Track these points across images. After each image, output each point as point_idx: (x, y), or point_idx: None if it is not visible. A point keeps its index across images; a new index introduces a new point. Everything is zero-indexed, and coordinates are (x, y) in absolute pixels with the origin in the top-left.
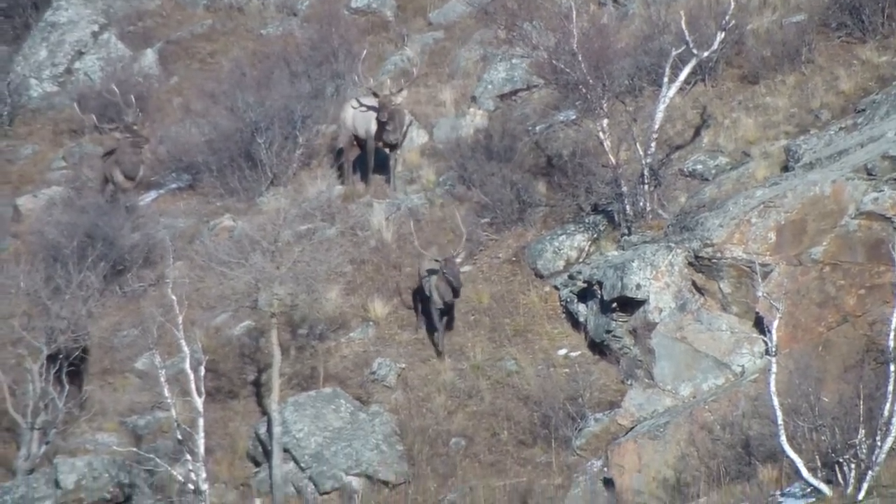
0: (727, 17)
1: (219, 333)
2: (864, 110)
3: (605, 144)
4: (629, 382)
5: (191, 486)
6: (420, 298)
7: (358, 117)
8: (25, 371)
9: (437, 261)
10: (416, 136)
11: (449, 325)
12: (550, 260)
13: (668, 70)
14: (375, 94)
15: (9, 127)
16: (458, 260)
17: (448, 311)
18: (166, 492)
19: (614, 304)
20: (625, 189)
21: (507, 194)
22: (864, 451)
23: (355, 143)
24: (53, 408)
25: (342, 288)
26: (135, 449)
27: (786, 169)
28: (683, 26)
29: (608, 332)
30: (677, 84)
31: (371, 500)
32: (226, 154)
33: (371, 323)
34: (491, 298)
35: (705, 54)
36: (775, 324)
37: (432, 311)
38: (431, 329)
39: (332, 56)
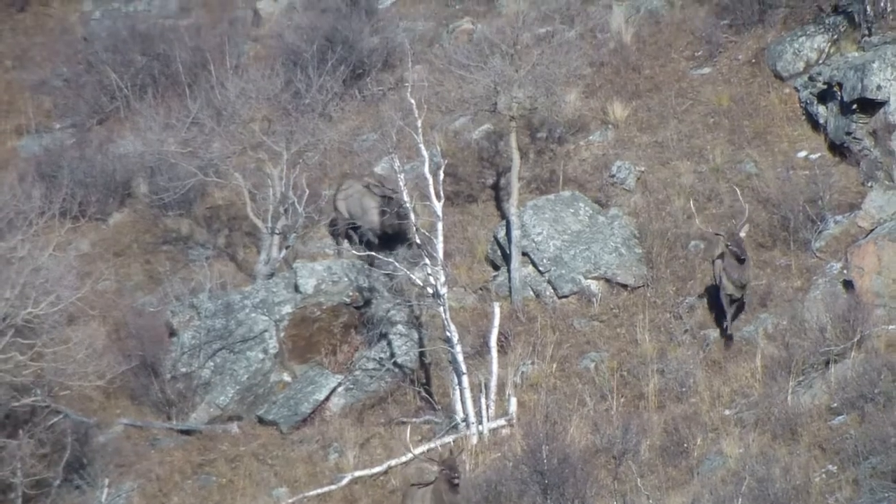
0: None
1: (458, 137)
2: None
3: None
4: (869, 184)
5: (429, 290)
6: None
7: None
8: (266, 176)
9: (718, 234)
10: None
11: (739, 310)
12: (790, 61)
13: None
14: None
15: None
16: (742, 234)
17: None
18: (405, 295)
19: (854, 106)
20: None
21: None
22: None
23: None
24: (293, 212)
25: (581, 90)
26: (374, 253)
27: None
28: None
29: (848, 133)
30: None
31: (609, 303)
32: None
33: (610, 125)
34: (730, 100)
35: None
36: None
37: (722, 298)
38: (720, 316)
39: None
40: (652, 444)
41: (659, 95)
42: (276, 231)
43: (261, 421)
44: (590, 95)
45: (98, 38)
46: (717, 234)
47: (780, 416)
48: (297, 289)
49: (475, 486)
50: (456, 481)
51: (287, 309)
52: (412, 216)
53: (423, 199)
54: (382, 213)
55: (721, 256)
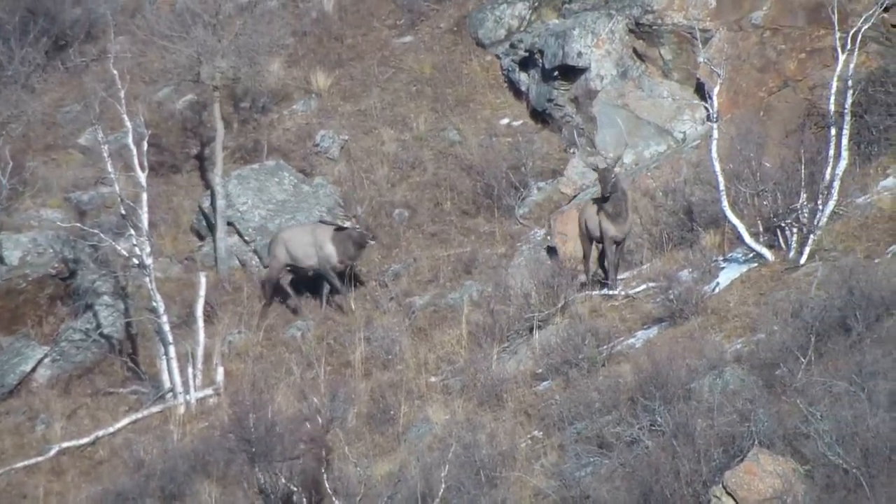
0: None
1: (161, 108)
2: None
3: None
4: (571, 151)
5: (135, 261)
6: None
7: None
8: None
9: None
10: None
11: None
12: (492, 29)
13: None
14: None
15: None
16: (617, 169)
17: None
18: (111, 266)
19: (556, 73)
20: None
21: None
22: (805, 215)
23: None
24: None
25: (284, 60)
26: (79, 224)
27: None
28: None
29: (550, 100)
30: None
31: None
32: None
33: (314, 95)
34: (433, 68)
35: None
36: (716, 90)
37: (606, 247)
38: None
39: None
40: (359, 411)
41: (362, 64)
42: None
43: None
44: (293, 65)
45: None
46: (593, 169)
47: (485, 382)
48: (1, 261)
49: (183, 456)
50: None
51: None
52: (116, 187)
53: (128, 169)
54: (341, 243)
55: (597, 201)
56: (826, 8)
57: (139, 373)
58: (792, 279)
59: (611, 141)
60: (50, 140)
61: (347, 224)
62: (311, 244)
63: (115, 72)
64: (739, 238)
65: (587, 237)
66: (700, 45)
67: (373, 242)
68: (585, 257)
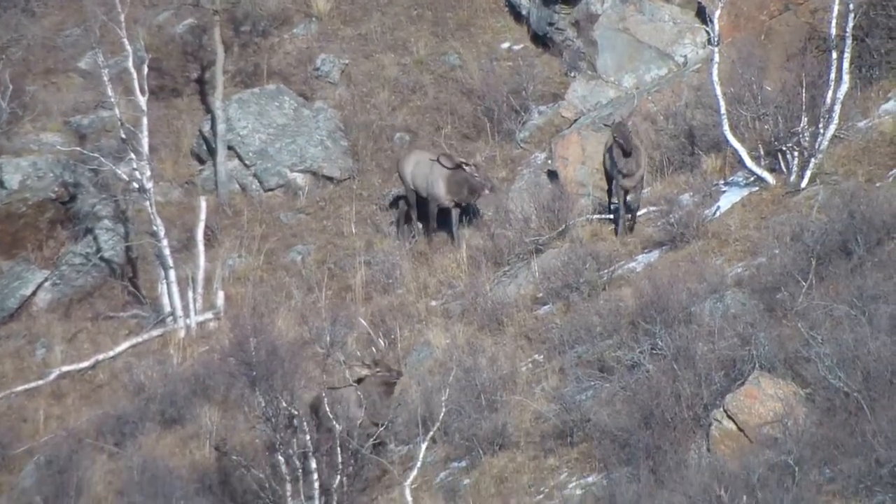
0: None
1: (161, 31)
2: None
3: None
4: (572, 75)
5: (135, 185)
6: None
7: None
8: None
9: (606, 125)
10: None
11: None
12: None
13: None
14: None
15: None
16: (629, 124)
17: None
18: (111, 190)
19: None
20: None
21: None
22: (806, 138)
23: None
24: None
25: None
26: (79, 148)
27: None
28: None
29: (551, 24)
30: None
31: (316, 196)
32: None
33: (314, 18)
34: None
35: None
36: (717, 13)
37: (615, 191)
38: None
39: None
40: (359, 335)
41: None
42: None
43: None
44: None
45: None
46: (605, 125)
47: (485, 306)
48: (1, 185)
49: (183, 380)
50: (394, 381)
51: None
52: (116, 111)
53: (128, 93)
54: (455, 184)
55: (610, 149)
56: None
57: (139, 297)
58: (793, 203)
59: (611, 64)
60: (50, 64)
61: (469, 168)
62: (427, 177)
63: None
64: (740, 162)
65: (606, 173)
66: None
67: (488, 192)
68: (609, 190)
